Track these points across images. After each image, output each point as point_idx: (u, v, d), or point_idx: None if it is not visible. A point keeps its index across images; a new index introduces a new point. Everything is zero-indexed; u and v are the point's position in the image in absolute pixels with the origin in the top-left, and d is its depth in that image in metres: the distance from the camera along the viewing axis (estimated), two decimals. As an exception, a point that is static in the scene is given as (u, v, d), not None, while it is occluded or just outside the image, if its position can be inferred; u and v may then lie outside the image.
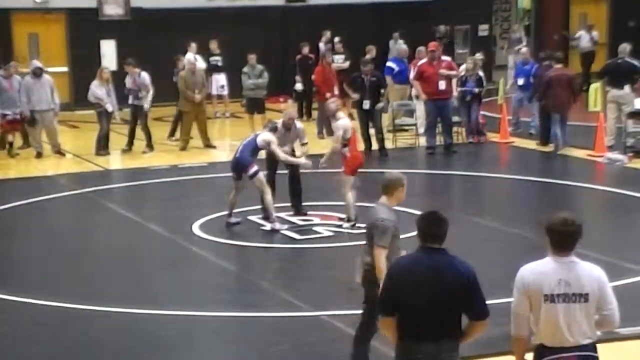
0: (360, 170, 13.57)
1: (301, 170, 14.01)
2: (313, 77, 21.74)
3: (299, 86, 23.51)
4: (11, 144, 19.69)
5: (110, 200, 15.77)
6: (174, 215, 14.44)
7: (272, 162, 13.99)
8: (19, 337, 9.58)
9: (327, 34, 25.92)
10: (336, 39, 24.93)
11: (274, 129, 13.57)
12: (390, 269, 6.22)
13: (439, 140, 19.27)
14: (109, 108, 19.36)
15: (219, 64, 24.43)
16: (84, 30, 25.63)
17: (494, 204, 15.85)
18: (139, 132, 19.77)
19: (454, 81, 19.56)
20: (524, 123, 20.76)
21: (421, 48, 20.91)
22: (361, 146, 16.75)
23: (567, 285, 5.92)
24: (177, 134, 20.60)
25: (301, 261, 12.49)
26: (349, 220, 13.30)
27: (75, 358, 9.18)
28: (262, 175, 13.36)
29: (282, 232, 13.20)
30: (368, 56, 20.87)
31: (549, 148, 18.78)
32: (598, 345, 6.08)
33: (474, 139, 20.01)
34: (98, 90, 19.33)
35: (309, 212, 14.03)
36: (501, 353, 8.53)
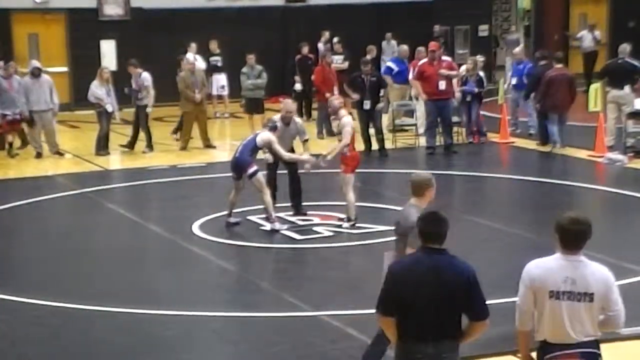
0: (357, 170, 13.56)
1: (301, 171, 13.99)
2: (313, 77, 21.74)
3: (298, 86, 23.49)
4: (11, 144, 19.69)
5: (110, 200, 15.76)
6: (173, 215, 14.44)
7: (273, 162, 13.96)
8: (19, 337, 9.57)
9: (326, 34, 25.93)
10: (335, 39, 24.93)
11: (274, 128, 13.54)
12: (391, 268, 6.21)
13: (439, 140, 19.27)
14: (109, 108, 19.37)
15: (219, 64, 24.43)
16: (84, 30, 25.64)
17: (494, 204, 15.84)
18: (142, 133, 19.79)
19: (455, 81, 19.55)
20: (522, 123, 20.78)
21: (420, 48, 20.93)
22: (360, 146, 16.77)
23: (572, 283, 5.94)
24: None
25: (301, 261, 12.48)
26: (349, 220, 13.30)
27: (75, 358, 9.17)
28: (261, 175, 13.34)
29: (282, 232, 13.20)
30: (368, 56, 20.88)
31: (548, 148, 18.79)
32: (598, 345, 6.10)
33: (474, 139, 20.01)
34: (98, 90, 19.34)
35: (308, 212, 14.02)
36: (501, 353, 8.54)
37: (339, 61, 23.52)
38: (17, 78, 19.66)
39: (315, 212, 14.12)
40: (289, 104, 14.37)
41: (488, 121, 20.72)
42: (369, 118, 18.68)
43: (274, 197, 13.65)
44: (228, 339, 9.69)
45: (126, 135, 20.24)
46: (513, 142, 19.98)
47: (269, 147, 13.45)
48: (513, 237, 12.87)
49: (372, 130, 18.89)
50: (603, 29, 30.00)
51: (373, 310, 6.23)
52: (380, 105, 19.21)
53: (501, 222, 13.63)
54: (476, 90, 19.86)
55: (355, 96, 18.86)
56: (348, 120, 13.30)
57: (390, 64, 21.75)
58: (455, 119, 19.68)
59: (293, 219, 13.81)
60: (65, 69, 25.80)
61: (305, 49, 23.75)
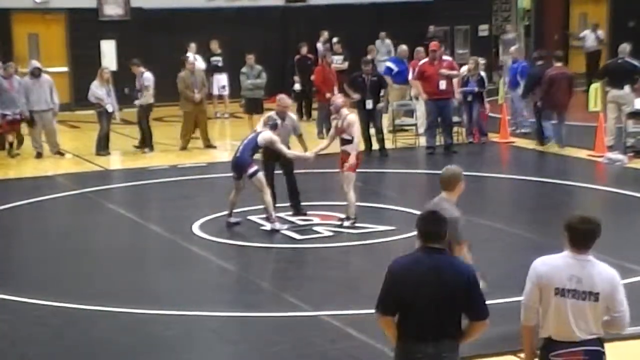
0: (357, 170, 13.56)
1: (299, 170, 13.98)
2: (312, 77, 21.74)
3: (297, 86, 23.51)
4: (11, 144, 19.70)
5: (110, 200, 15.76)
6: (173, 216, 14.44)
7: (269, 162, 13.90)
8: (19, 337, 9.57)
9: (325, 34, 25.93)
10: (334, 40, 24.92)
11: (274, 126, 13.52)
12: (391, 268, 6.21)
13: (439, 140, 19.27)
14: (109, 108, 19.39)
15: (220, 64, 24.42)
16: (84, 30, 25.64)
17: (495, 204, 15.84)
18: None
19: (455, 81, 19.55)
20: (521, 123, 20.81)
21: (420, 48, 20.94)
22: (361, 146, 16.73)
23: (578, 282, 5.97)
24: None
25: (301, 261, 12.48)
26: (348, 219, 13.29)
27: (75, 358, 9.17)
28: (261, 175, 13.33)
29: (282, 232, 13.20)
30: (369, 56, 20.89)
31: (547, 147, 18.82)
32: (598, 345, 6.12)
33: (474, 138, 20.02)
34: (98, 90, 19.35)
35: (308, 212, 14.01)
36: (501, 353, 8.55)
37: (338, 61, 23.53)
38: (17, 78, 19.67)
39: (315, 212, 14.12)
40: (284, 99, 14.33)
41: (488, 121, 20.71)
42: (369, 118, 18.68)
43: (273, 196, 13.65)
44: (228, 338, 9.69)
45: (126, 135, 20.23)
46: (513, 142, 19.99)
47: (270, 146, 13.41)
48: (513, 237, 12.87)
49: (372, 130, 18.89)
50: (603, 28, 30.00)
51: (373, 310, 6.24)
52: (381, 105, 19.22)
53: (501, 222, 13.63)
54: (477, 89, 19.86)
55: (356, 96, 18.85)
56: (354, 118, 13.32)
57: (390, 64, 21.74)
58: (455, 118, 19.69)
59: (293, 218, 13.81)
60: (65, 69, 25.79)
61: (304, 49, 23.75)
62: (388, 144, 19.23)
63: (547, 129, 18.84)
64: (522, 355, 6.59)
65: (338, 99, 13.81)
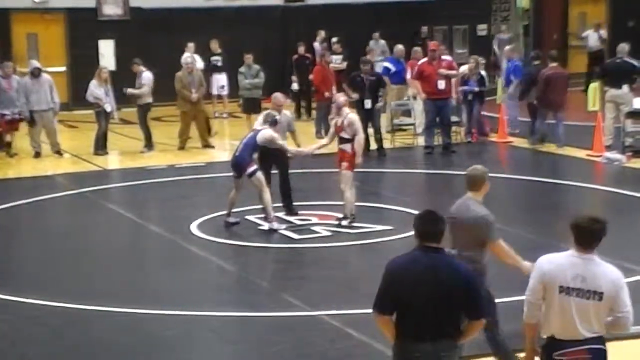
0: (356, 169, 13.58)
1: (297, 170, 13.98)
2: (311, 76, 21.74)
3: (295, 86, 23.51)
4: (10, 144, 19.69)
5: (109, 200, 15.77)
6: (172, 215, 14.44)
7: (265, 163, 13.87)
8: (19, 337, 9.58)
9: (322, 34, 25.89)
10: (334, 39, 24.91)
11: (274, 122, 13.52)
12: (388, 267, 6.22)
13: (437, 140, 19.27)
14: (108, 108, 19.39)
15: (219, 63, 24.40)
16: (83, 30, 25.63)
17: (493, 203, 15.73)
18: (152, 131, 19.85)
19: (454, 81, 19.56)
20: (522, 122, 20.81)
21: (417, 48, 20.94)
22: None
23: (582, 281, 6.01)
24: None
25: (300, 261, 12.48)
26: (346, 218, 13.30)
27: (75, 358, 9.18)
28: (260, 174, 13.32)
29: (281, 231, 13.20)
30: (368, 56, 20.89)
31: (547, 147, 18.85)
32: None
33: (472, 138, 20.03)
34: (97, 90, 19.36)
35: (307, 213, 14.00)
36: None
37: (337, 61, 23.52)
38: (16, 78, 19.66)
39: (314, 211, 14.13)
40: (279, 97, 14.34)
41: (485, 121, 20.72)
42: (368, 118, 18.67)
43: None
44: (227, 338, 9.70)
45: (126, 134, 20.22)
46: (511, 142, 19.99)
47: (270, 144, 13.39)
48: (513, 237, 12.78)
49: (370, 130, 18.89)
50: (602, 28, 29.97)
51: (371, 310, 6.25)
52: (379, 104, 19.23)
53: (500, 221, 13.48)
54: (477, 89, 19.87)
55: (355, 96, 18.84)
56: (354, 117, 13.33)
57: (387, 64, 21.75)
58: (454, 118, 19.69)
59: (291, 218, 13.82)
60: (63, 68, 25.77)
61: (301, 49, 23.75)
62: (386, 144, 19.23)
63: (538, 128, 19.00)
64: (522, 355, 6.60)
65: (340, 97, 13.82)
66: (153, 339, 9.50)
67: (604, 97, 19.27)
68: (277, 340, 9.34)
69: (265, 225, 13.36)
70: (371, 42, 25.76)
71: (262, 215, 13.55)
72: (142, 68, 19.87)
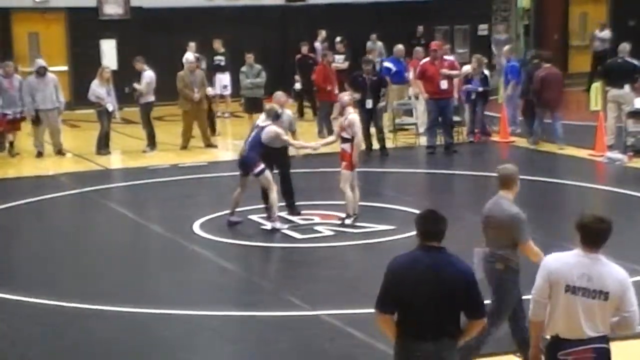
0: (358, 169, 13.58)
1: (300, 170, 13.98)
2: (313, 76, 21.74)
3: (297, 85, 23.51)
4: (11, 144, 19.69)
5: (111, 199, 15.77)
6: (174, 215, 14.44)
7: (266, 163, 13.85)
8: (19, 337, 9.58)
9: (323, 33, 25.89)
10: (337, 39, 24.88)
11: (277, 117, 13.50)
12: (390, 267, 6.22)
13: (439, 139, 19.27)
14: (110, 107, 19.41)
15: (222, 63, 24.37)
16: (84, 29, 25.65)
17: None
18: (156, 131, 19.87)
19: (456, 81, 19.55)
20: (521, 122, 20.83)
21: (418, 48, 20.93)
22: (362, 145, 16.73)
23: (589, 280, 6.03)
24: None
25: (302, 260, 12.47)
26: (349, 217, 13.29)
27: (75, 358, 9.18)
28: (268, 173, 13.32)
29: (283, 231, 13.20)
30: (370, 56, 20.88)
31: (549, 147, 18.86)
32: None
33: (474, 137, 20.03)
34: (98, 89, 19.37)
35: (309, 212, 14.00)
36: (501, 353, 8.55)
37: (340, 61, 23.51)
38: (18, 77, 19.67)
39: (316, 211, 14.13)
40: (280, 95, 14.33)
41: (488, 120, 20.72)
42: (369, 117, 18.68)
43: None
44: (228, 338, 9.70)
45: (128, 134, 20.22)
46: (513, 141, 19.99)
47: (274, 141, 13.36)
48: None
49: (372, 130, 18.89)
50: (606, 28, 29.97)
51: (373, 309, 6.24)
52: (381, 104, 19.23)
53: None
54: (480, 88, 19.87)
55: (357, 95, 18.82)
56: (356, 118, 13.33)
57: (388, 64, 21.76)
58: (456, 118, 19.69)
59: (294, 218, 13.82)
60: (65, 68, 25.78)
61: (304, 48, 23.74)
62: (388, 143, 19.24)
63: (536, 128, 19.07)
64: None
65: (345, 96, 13.83)
66: (153, 339, 9.50)
67: (606, 97, 19.28)
68: (278, 340, 9.34)
69: (268, 225, 13.36)
70: (368, 44, 25.73)
71: (265, 215, 13.55)
72: (145, 67, 19.88)
